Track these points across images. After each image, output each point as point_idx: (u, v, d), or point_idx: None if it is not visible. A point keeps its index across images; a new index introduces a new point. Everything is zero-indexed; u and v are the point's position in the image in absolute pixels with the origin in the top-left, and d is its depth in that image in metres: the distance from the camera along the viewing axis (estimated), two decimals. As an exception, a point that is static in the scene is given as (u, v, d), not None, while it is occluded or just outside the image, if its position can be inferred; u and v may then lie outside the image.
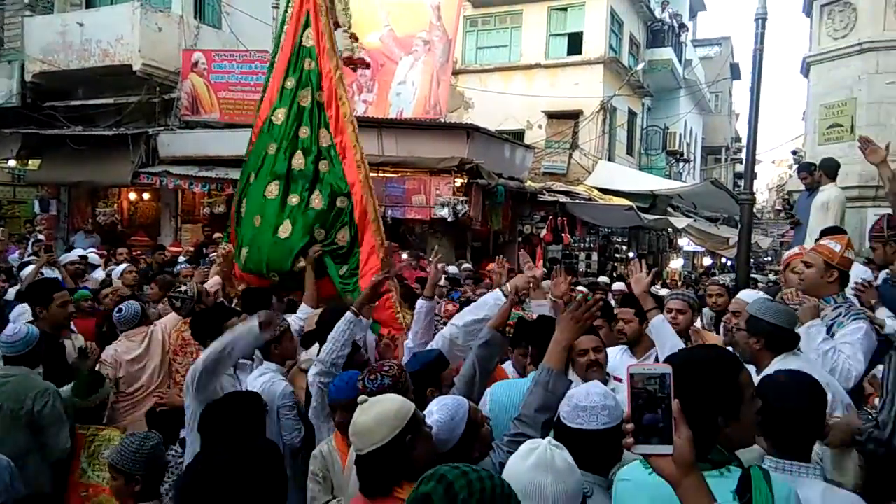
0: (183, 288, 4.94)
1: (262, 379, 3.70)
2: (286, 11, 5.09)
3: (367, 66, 11.66)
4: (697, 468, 1.47)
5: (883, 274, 4.49)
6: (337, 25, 5.15)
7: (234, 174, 12.27)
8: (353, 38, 5.34)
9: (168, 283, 5.89)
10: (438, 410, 2.35)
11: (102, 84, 13.74)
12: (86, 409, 3.74)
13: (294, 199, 4.74)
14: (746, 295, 3.90)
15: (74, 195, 15.04)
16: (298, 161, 4.77)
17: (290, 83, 4.88)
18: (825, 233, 5.02)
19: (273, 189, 4.77)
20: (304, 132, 4.81)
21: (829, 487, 2.07)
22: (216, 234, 9.91)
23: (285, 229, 4.70)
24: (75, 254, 8.73)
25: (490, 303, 3.64)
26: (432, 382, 3.01)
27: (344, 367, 3.35)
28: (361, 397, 2.21)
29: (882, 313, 3.83)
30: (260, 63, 12.56)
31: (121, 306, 4.65)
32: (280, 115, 4.86)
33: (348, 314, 3.46)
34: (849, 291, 3.88)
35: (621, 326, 4.01)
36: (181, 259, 9.25)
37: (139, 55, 12.97)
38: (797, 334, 3.07)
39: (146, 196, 14.82)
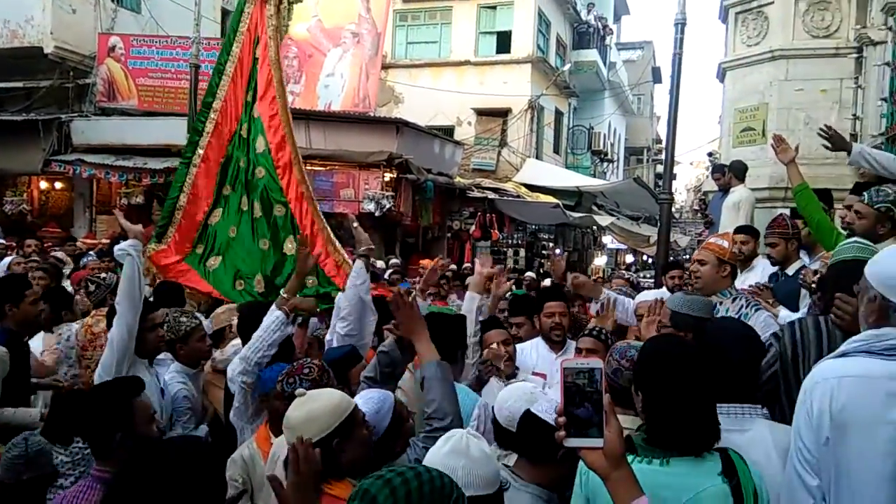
0: (103, 275, 4.75)
1: (167, 377, 3.56)
2: (238, 20, 5.03)
3: None
4: (626, 461, 1.51)
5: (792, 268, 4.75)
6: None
7: (153, 163, 11.88)
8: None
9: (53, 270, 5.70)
10: (364, 403, 2.33)
11: (11, 67, 12.97)
12: None
13: (257, 212, 4.89)
14: (648, 296, 4.09)
15: (-22, 183, 14.18)
16: (260, 172, 4.92)
17: (249, 96, 5.00)
18: (737, 231, 5.27)
19: (244, 201, 4.91)
20: (261, 144, 4.94)
21: (773, 424, 2.18)
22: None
23: (263, 243, 4.83)
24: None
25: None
26: (340, 380, 2.93)
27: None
28: (300, 390, 2.17)
29: (783, 311, 4.05)
30: (182, 49, 12.15)
31: None
32: (245, 129, 4.98)
33: (279, 313, 3.29)
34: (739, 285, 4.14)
35: (558, 320, 4.06)
36: (90, 253, 8.80)
37: (51, 37, 12.33)
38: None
39: (59, 185, 14.11)
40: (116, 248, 3.42)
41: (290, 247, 4.75)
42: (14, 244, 9.67)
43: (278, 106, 4.93)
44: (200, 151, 4.97)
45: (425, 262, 11.58)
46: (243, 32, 5.02)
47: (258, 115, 4.95)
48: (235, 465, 2.80)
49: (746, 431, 2.10)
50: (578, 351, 3.51)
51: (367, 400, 2.34)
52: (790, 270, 4.58)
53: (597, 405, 1.48)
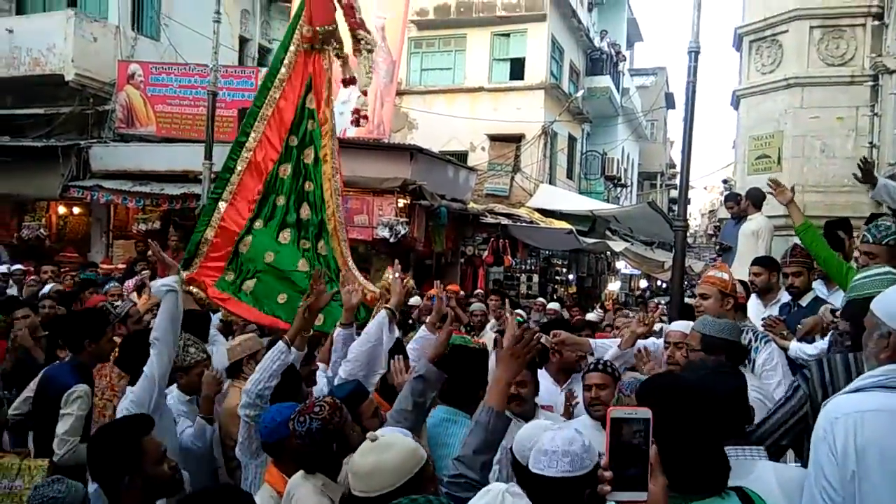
0: (117, 303, 4.79)
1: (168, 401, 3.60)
2: (278, 67, 5.13)
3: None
4: None
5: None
6: (353, 81, 5.39)
7: (171, 189, 12.00)
8: (364, 93, 5.71)
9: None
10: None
11: (32, 94, 13.21)
12: None
13: (306, 244, 5.06)
14: (681, 325, 3.84)
15: (-1, 208, 14.36)
16: (305, 212, 5.10)
17: (294, 141, 5.15)
18: (757, 262, 5.21)
19: (286, 235, 5.05)
20: (309, 186, 5.13)
21: (776, 465, 2.13)
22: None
23: (302, 264, 4.98)
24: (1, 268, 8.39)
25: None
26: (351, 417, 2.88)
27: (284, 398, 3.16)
28: (372, 433, 2.08)
29: (793, 343, 3.99)
30: (200, 77, 12.32)
31: None
32: (286, 170, 5.13)
33: (280, 344, 3.29)
34: (758, 322, 4.09)
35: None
36: (112, 280, 8.83)
37: (72, 65, 12.54)
38: (745, 346, 3.17)
39: (76, 210, 14.26)
40: (158, 283, 3.43)
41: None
42: (31, 269, 9.77)
43: (329, 154, 5.16)
44: (231, 188, 5.07)
45: (432, 291, 11.59)
46: (284, 79, 5.13)
47: (309, 161, 5.17)
48: None
49: (749, 475, 2.04)
50: (588, 388, 3.43)
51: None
52: (804, 301, 4.53)
53: (642, 457, 1.43)
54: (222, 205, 5.02)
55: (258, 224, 5.08)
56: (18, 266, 9.47)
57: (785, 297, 4.74)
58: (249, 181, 5.08)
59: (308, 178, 5.13)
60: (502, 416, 2.39)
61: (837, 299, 4.02)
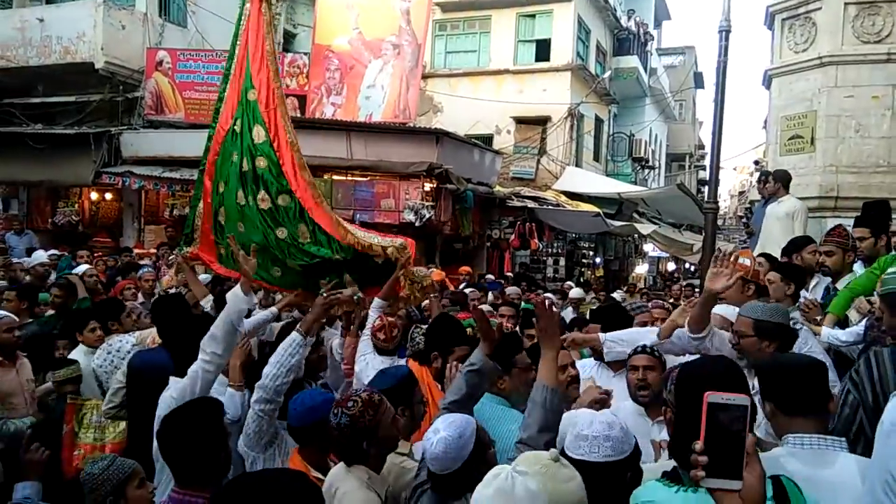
0: (171, 291, 4.88)
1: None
2: (239, 24, 5.06)
3: None
4: None
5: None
6: None
7: (200, 176, 12.11)
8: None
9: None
10: (446, 427, 2.27)
11: (63, 81, 13.43)
12: None
13: (264, 202, 4.74)
14: (721, 310, 3.68)
15: (34, 195, 14.65)
16: (261, 163, 4.80)
17: (252, 95, 4.94)
18: (795, 243, 5.12)
19: (241, 196, 4.81)
20: (260, 136, 4.83)
21: (858, 457, 2.07)
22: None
23: (280, 232, 4.75)
24: (40, 256, 8.58)
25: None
26: (403, 401, 2.84)
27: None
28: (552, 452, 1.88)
29: (825, 329, 3.92)
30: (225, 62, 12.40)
31: None
32: (240, 124, 4.91)
33: (294, 335, 3.17)
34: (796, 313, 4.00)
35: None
36: (144, 263, 8.98)
37: (101, 53, 12.72)
38: (796, 330, 3.12)
39: (108, 196, 14.52)
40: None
41: (301, 232, 4.70)
42: (66, 254, 9.98)
43: (276, 96, 4.89)
44: (209, 155, 5.03)
45: (464, 269, 11.63)
46: (241, 35, 5.05)
47: (253, 98, 4.87)
48: None
49: (832, 465, 1.99)
50: (634, 369, 3.37)
51: (449, 424, 2.28)
52: (840, 284, 4.46)
53: (738, 444, 1.41)
54: (205, 175, 5.01)
55: (221, 187, 4.92)
56: (54, 252, 9.68)
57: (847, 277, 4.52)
58: (216, 143, 5.01)
59: (258, 123, 4.86)
60: (558, 393, 2.38)
61: None
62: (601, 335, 3.91)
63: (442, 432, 2.25)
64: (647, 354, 3.38)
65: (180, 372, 3.07)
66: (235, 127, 4.93)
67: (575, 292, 10.24)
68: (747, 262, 3.79)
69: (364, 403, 2.50)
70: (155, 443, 2.57)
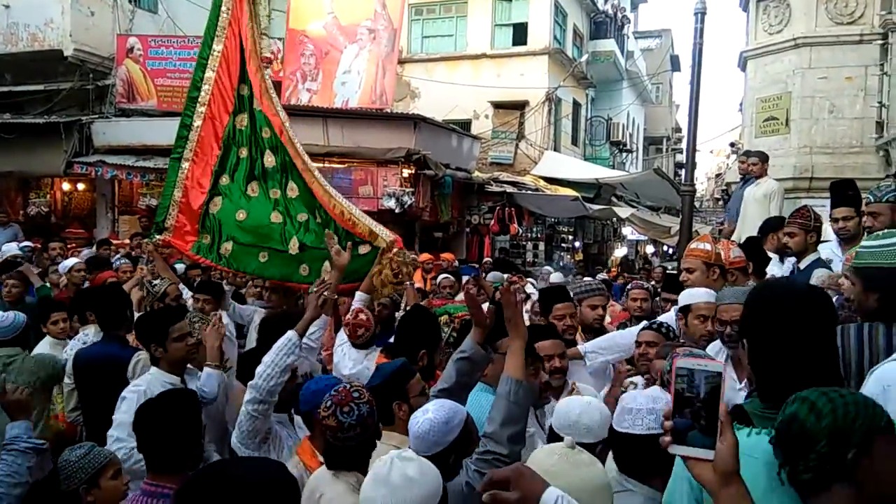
0: (155, 282, 4.82)
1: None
2: (217, 14, 5.03)
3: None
4: (740, 478, 1.38)
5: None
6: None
7: (174, 164, 11.94)
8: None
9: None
10: (436, 410, 2.25)
11: (31, 70, 13.11)
12: None
13: (275, 194, 4.99)
14: (703, 294, 3.59)
15: (4, 186, 14.35)
16: (269, 160, 5.01)
17: (245, 90, 5.07)
18: (769, 223, 5.16)
19: (255, 187, 5.00)
20: (267, 133, 5.04)
21: None
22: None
23: (276, 217, 4.93)
24: (11, 248, 8.40)
25: None
26: (398, 395, 2.76)
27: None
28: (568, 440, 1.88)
29: None
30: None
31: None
32: (243, 120, 5.04)
33: (290, 334, 3.11)
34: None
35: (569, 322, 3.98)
36: (117, 256, 8.78)
37: (70, 40, 12.43)
38: None
39: (81, 186, 14.25)
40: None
41: (302, 216, 4.94)
42: (38, 246, 9.79)
43: (266, 94, 5.08)
44: (191, 146, 5.02)
45: (446, 255, 11.60)
46: (225, 27, 5.05)
47: (259, 108, 5.07)
48: None
49: None
50: (639, 345, 3.34)
51: (440, 407, 2.26)
52: (803, 264, 4.49)
53: (711, 413, 1.36)
54: (185, 164, 5.00)
55: (224, 180, 5.02)
56: (27, 243, 9.48)
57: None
58: (208, 136, 5.03)
59: (263, 124, 5.06)
60: (523, 385, 2.30)
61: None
62: (581, 347, 3.86)
63: (430, 413, 2.24)
64: (654, 331, 3.34)
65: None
66: (238, 124, 5.04)
67: (555, 277, 10.16)
68: (707, 246, 3.84)
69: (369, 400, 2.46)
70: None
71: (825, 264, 4.30)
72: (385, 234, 4.87)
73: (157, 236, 5.00)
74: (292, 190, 4.97)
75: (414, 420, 2.28)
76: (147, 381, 3.32)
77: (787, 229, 4.58)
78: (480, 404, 2.80)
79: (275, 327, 3.51)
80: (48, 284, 6.56)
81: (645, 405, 2.06)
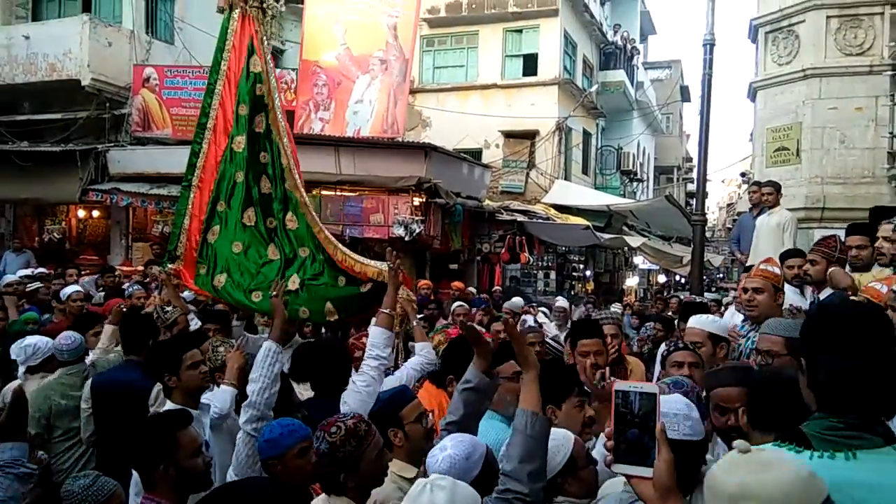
0: (167, 309, 4.82)
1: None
2: (224, 38, 5.01)
3: None
4: (678, 494, 1.43)
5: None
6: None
7: (188, 192, 12.05)
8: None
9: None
10: (454, 445, 2.16)
11: (49, 99, 13.37)
12: None
13: (272, 223, 4.81)
14: (702, 324, 3.74)
15: (20, 213, 14.54)
16: (266, 185, 4.83)
17: (244, 110, 4.91)
18: (788, 255, 5.13)
19: (251, 215, 4.81)
20: (264, 157, 4.87)
21: None
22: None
23: (272, 252, 4.76)
24: (18, 273, 8.45)
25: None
26: (392, 422, 2.70)
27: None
28: (739, 442, 1.40)
29: None
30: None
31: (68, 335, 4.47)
32: (240, 142, 4.87)
33: (269, 345, 3.14)
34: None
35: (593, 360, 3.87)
36: (128, 283, 8.76)
37: (88, 70, 12.66)
38: None
39: (95, 213, 14.41)
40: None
41: (304, 251, 4.72)
42: (51, 272, 9.87)
43: (275, 117, 4.92)
44: (198, 173, 4.91)
45: (456, 284, 11.59)
46: (229, 49, 4.98)
47: (261, 129, 4.90)
48: None
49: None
50: (678, 365, 3.18)
51: (458, 443, 2.17)
52: (823, 294, 4.45)
53: (649, 432, 1.43)
54: (193, 192, 4.89)
55: (221, 206, 4.86)
56: (42, 270, 9.56)
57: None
58: (210, 161, 4.91)
59: (262, 148, 4.89)
60: (540, 418, 2.19)
61: None
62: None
63: (449, 450, 2.15)
64: (689, 351, 3.24)
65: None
66: (234, 146, 4.89)
67: (560, 302, 9.93)
68: (777, 270, 3.74)
69: (347, 432, 2.34)
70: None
71: (845, 295, 4.24)
72: (376, 265, 4.63)
73: (170, 265, 4.97)
74: (291, 221, 4.80)
75: (432, 458, 2.19)
76: None
77: (810, 256, 4.52)
78: (489, 432, 2.75)
79: (308, 357, 3.59)
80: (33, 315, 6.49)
81: (682, 411, 1.95)
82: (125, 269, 11.61)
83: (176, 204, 5.30)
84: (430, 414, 2.90)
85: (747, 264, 6.55)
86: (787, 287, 4.78)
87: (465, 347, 3.56)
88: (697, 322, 3.76)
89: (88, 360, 4.59)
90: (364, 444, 2.34)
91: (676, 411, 1.94)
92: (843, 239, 4.60)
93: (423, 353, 4.28)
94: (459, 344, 3.78)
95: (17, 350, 4.51)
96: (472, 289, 11.23)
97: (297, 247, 4.76)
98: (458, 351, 3.71)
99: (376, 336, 3.72)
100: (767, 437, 2.02)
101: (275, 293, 3.63)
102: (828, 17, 9.26)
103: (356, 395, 3.43)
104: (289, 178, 4.86)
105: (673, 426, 1.89)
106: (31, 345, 4.52)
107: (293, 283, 4.63)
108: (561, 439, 2.27)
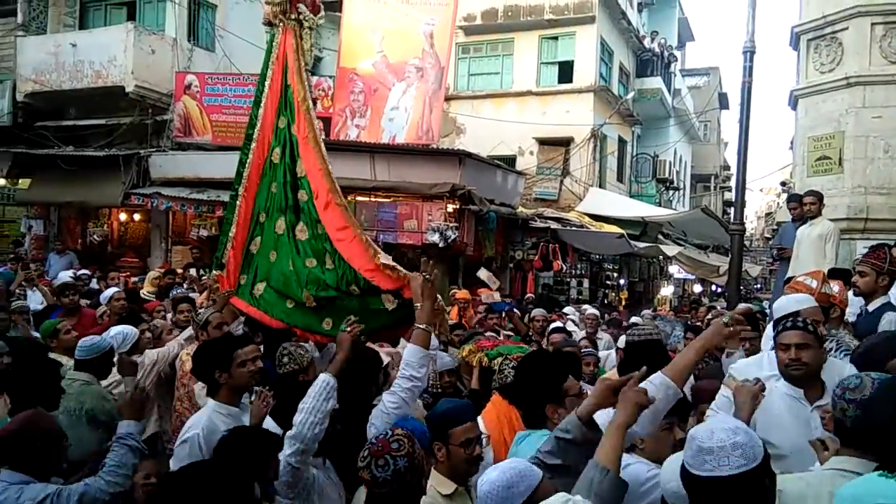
0: (200, 311, 4.95)
1: None
2: (270, 51, 5.13)
3: None
4: None
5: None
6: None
7: (226, 196, 12.16)
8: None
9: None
10: (503, 470, 2.02)
11: (94, 105, 13.75)
12: None
13: (302, 234, 4.81)
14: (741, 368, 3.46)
15: (64, 215, 14.95)
16: (303, 195, 4.86)
17: (283, 122, 5.00)
18: (831, 273, 4.99)
19: (281, 225, 4.85)
20: (301, 170, 4.89)
21: None
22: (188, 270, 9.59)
23: (310, 262, 4.72)
24: (64, 276, 8.68)
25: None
26: (439, 437, 2.63)
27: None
28: None
29: None
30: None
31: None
32: (277, 154, 4.96)
33: (325, 377, 3.00)
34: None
35: None
36: (144, 292, 8.76)
37: (132, 77, 13.00)
38: None
39: (137, 217, 14.76)
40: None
41: (329, 263, 4.65)
42: (94, 273, 10.12)
43: (306, 127, 4.91)
44: (244, 182, 5.04)
45: (483, 290, 11.53)
46: (274, 61, 5.09)
47: (284, 126, 4.96)
48: None
49: None
50: (784, 347, 2.95)
51: (507, 469, 2.02)
52: (872, 306, 4.34)
53: None
54: (239, 201, 5.01)
55: (262, 217, 4.95)
56: (84, 271, 9.82)
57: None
58: (253, 171, 5.02)
59: (297, 156, 4.90)
60: (610, 476, 1.96)
61: None
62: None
63: (494, 473, 2.01)
64: (798, 330, 2.94)
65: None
66: (273, 157, 4.99)
67: (568, 310, 9.78)
68: (814, 283, 3.68)
69: (407, 438, 2.35)
70: None
71: (894, 308, 4.14)
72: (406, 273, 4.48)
73: (216, 272, 5.10)
74: (302, 232, 4.79)
75: (481, 477, 2.08)
76: (205, 420, 3.30)
77: (859, 268, 4.40)
78: (527, 446, 2.62)
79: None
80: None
81: (727, 440, 1.75)
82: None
83: (218, 210, 5.41)
84: (486, 439, 2.75)
85: (788, 276, 6.42)
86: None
87: (538, 365, 3.24)
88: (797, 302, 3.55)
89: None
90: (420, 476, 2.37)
91: (721, 443, 1.75)
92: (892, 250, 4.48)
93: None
94: (535, 361, 3.35)
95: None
96: (496, 294, 11.13)
97: (322, 257, 4.71)
98: (534, 367, 3.24)
99: (410, 355, 3.40)
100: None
101: (348, 329, 3.42)
102: (872, 24, 9.05)
103: (384, 417, 3.23)
104: (308, 186, 4.83)
105: (721, 461, 1.73)
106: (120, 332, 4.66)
107: (307, 299, 4.61)
108: (651, 478, 2.06)
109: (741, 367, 3.41)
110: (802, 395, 2.99)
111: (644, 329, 4.83)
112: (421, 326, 3.53)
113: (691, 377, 3.10)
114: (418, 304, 3.77)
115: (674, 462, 2.05)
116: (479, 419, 2.99)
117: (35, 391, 3.46)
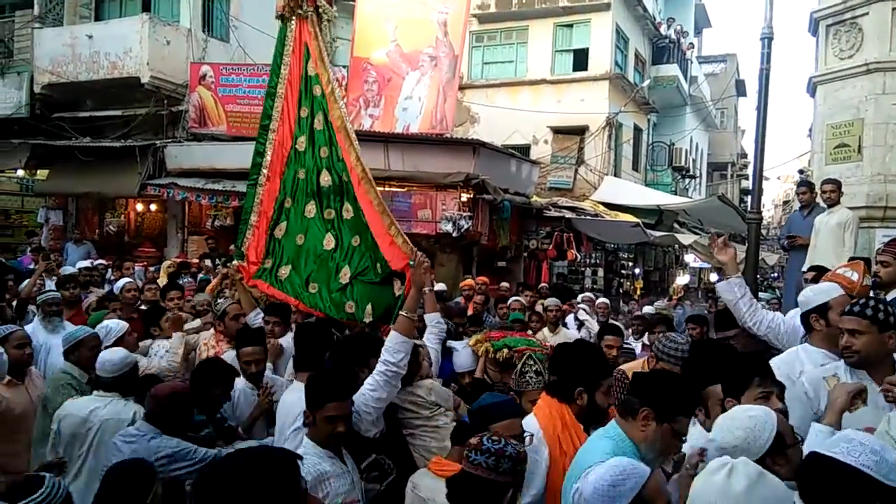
0: (220, 301, 5.02)
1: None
2: (282, 44, 5.20)
3: None
4: None
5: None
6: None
7: (241, 186, 12.29)
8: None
9: None
10: (608, 467, 1.98)
11: (110, 96, 13.83)
12: None
13: (330, 214, 4.98)
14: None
15: (82, 206, 15.11)
16: (325, 179, 5.01)
17: (305, 112, 5.12)
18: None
19: (311, 209, 5.03)
20: (325, 152, 5.04)
21: None
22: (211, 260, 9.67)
23: (328, 241, 4.93)
24: (81, 265, 8.78)
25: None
26: (481, 431, 2.53)
27: None
28: None
29: None
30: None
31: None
32: (302, 142, 5.11)
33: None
34: None
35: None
36: (186, 277, 8.95)
37: (147, 68, 13.06)
38: None
39: (153, 207, 14.88)
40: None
41: (356, 240, 4.84)
42: (110, 263, 10.22)
43: (335, 116, 5.04)
44: (265, 171, 5.17)
45: (481, 279, 11.47)
46: (289, 54, 5.18)
47: (321, 127, 5.06)
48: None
49: None
50: (842, 333, 2.89)
51: (611, 467, 1.99)
52: (891, 296, 4.29)
53: None
54: (259, 189, 5.16)
55: (288, 203, 5.12)
56: (101, 261, 9.92)
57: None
58: (276, 161, 5.17)
59: (322, 143, 5.05)
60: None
61: None
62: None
63: (592, 473, 1.98)
64: (853, 316, 2.86)
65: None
66: (297, 146, 5.13)
67: (601, 301, 9.78)
68: (855, 276, 3.57)
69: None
70: None
71: None
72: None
73: (237, 261, 5.19)
74: (347, 211, 4.92)
75: (582, 478, 2.06)
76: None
77: (881, 258, 4.32)
78: (594, 451, 2.40)
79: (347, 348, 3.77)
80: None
81: (871, 444, 1.74)
82: (179, 261, 11.94)
83: (233, 200, 5.53)
84: (529, 438, 2.72)
85: (806, 265, 6.34)
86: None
87: (590, 353, 3.26)
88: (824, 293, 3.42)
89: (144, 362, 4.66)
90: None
91: (864, 441, 1.75)
92: None
93: (434, 324, 4.44)
94: (584, 349, 3.34)
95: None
96: (505, 283, 11.15)
97: (352, 236, 4.88)
98: (583, 356, 3.19)
99: (390, 340, 3.51)
100: None
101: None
102: (893, 8, 8.89)
103: (360, 398, 3.30)
104: (349, 170, 4.96)
105: (854, 450, 1.73)
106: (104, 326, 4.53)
107: (344, 275, 4.78)
108: (763, 416, 2.05)
109: (777, 364, 3.34)
110: (867, 375, 2.90)
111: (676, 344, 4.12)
112: (404, 314, 3.67)
113: None
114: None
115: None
116: (532, 417, 2.98)
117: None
